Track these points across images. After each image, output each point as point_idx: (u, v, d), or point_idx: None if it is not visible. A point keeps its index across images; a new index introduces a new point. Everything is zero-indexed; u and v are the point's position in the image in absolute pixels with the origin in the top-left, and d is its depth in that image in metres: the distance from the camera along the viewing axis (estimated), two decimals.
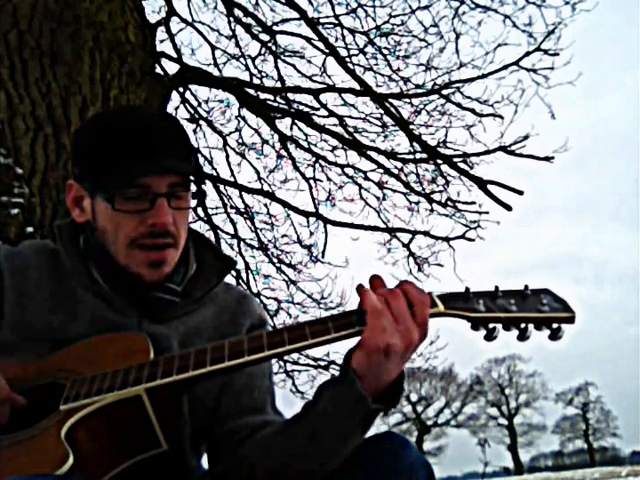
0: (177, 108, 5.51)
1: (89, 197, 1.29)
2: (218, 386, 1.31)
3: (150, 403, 1.09)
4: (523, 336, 1.13)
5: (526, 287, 1.18)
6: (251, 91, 5.26)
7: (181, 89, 5.30)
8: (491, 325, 1.13)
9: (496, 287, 1.18)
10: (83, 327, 1.26)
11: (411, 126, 5.38)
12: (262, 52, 5.58)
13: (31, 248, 1.36)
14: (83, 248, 1.33)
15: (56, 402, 1.10)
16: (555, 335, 1.12)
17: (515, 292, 1.17)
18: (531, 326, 1.13)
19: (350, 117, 5.63)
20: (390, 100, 5.35)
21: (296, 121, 5.49)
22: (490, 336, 1.12)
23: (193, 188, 1.31)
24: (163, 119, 1.34)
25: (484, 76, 5.18)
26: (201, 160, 5.56)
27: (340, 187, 5.87)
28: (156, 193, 1.23)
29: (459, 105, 5.38)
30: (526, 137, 5.04)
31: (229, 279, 1.45)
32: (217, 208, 5.73)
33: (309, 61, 5.58)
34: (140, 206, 1.23)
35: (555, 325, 1.13)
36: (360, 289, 1.13)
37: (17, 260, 1.31)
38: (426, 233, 5.63)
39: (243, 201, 5.76)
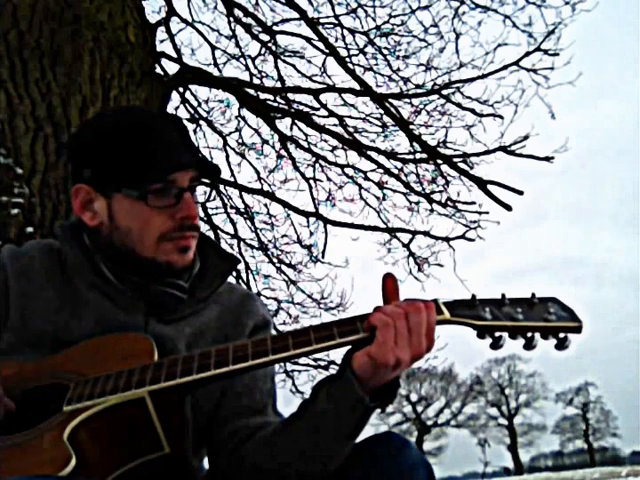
0: (177, 108, 5.51)
1: (104, 198, 1.28)
2: (220, 388, 1.31)
3: (153, 406, 1.09)
4: (529, 345, 1.11)
5: (533, 295, 1.17)
6: (251, 91, 5.25)
7: (181, 89, 5.29)
8: (497, 333, 1.11)
9: (503, 295, 1.17)
10: (88, 327, 1.25)
11: (411, 126, 5.38)
12: (262, 52, 5.58)
13: (35, 248, 1.35)
14: (90, 245, 1.32)
15: (59, 403, 1.09)
16: (562, 345, 1.11)
17: (522, 300, 1.16)
18: (538, 335, 1.12)
19: (350, 117, 5.63)
20: (390, 100, 5.34)
21: (296, 121, 5.49)
22: (496, 344, 1.11)
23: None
24: (168, 115, 1.39)
25: (484, 76, 5.18)
26: None
27: (340, 187, 5.88)
28: (181, 187, 1.26)
29: (459, 105, 5.38)
30: (526, 137, 5.04)
31: (229, 280, 1.45)
32: (217, 208, 5.74)
33: (309, 61, 5.58)
34: (168, 201, 1.25)
35: (562, 335, 1.11)
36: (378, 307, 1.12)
37: (22, 260, 1.31)
38: (426, 233, 5.63)
39: (243, 201, 5.76)
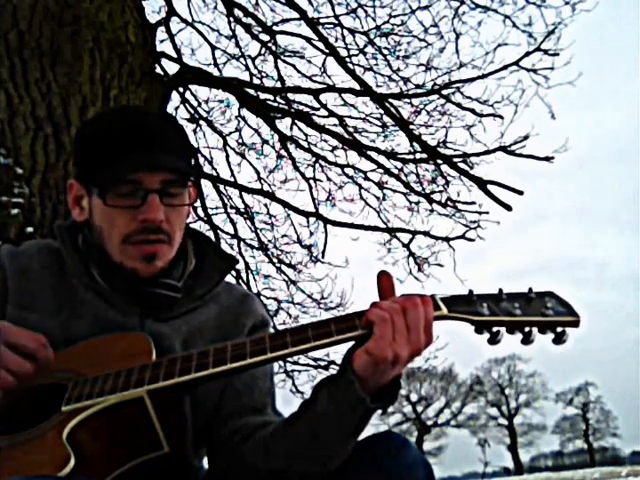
0: (177, 108, 5.51)
1: (87, 196, 1.31)
2: (219, 387, 1.31)
3: (152, 405, 1.09)
4: (527, 340, 1.11)
5: (530, 290, 1.16)
6: (251, 91, 5.25)
7: (181, 89, 5.29)
8: (495, 329, 1.11)
9: (500, 290, 1.16)
10: (86, 327, 1.26)
11: (411, 126, 5.37)
12: (262, 52, 5.58)
13: (34, 248, 1.36)
14: (82, 248, 1.33)
15: (58, 403, 1.09)
16: (559, 339, 1.10)
17: (519, 295, 1.16)
18: (535, 330, 1.11)
19: (350, 117, 5.63)
20: (390, 100, 5.34)
21: (296, 121, 5.49)
22: (494, 340, 1.11)
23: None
24: (161, 118, 1.36)
25: (484, 76, 5.18)
26: (201, 160, 5.56)
27: (340, 187, 5.87)
28: (148, 189, 1.24)
29: (459, 105, 5.37)
30: (526, 137, 5.04)
31: (228, 279, 1.45)
32: (217, 208, 5.73)
33: (309, 61, 5.58)
34: (131, 202, 1.24)
35: (560, 329, 1.11)
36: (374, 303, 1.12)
37: (20, 260, 1.31)
38: (426, 233, 5.63)
39: (243, 201, 5.76)
